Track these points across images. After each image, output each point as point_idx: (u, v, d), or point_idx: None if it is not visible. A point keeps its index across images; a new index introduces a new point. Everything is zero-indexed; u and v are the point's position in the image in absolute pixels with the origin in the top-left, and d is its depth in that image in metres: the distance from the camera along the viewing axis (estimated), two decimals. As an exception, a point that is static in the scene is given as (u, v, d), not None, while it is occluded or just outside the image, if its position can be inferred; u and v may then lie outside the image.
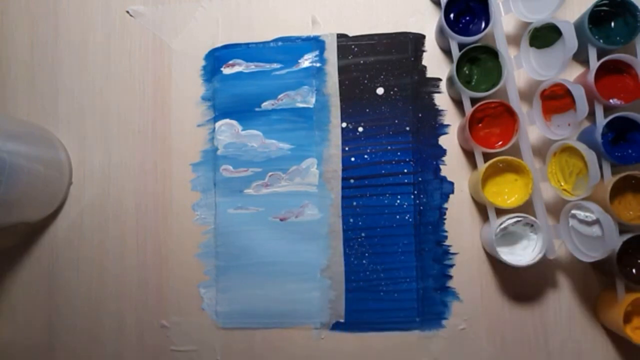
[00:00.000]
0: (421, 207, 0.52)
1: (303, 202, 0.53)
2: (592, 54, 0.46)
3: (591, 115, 0.44)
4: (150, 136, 0.55)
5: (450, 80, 0.50)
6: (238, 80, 0.54)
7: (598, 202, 0.43)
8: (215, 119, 0.54)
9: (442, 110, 0.52)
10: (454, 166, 0.52)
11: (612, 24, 0.46)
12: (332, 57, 0.53)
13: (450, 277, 0.51)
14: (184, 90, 0.55)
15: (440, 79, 0.52)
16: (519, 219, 0.46)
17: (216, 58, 0.54)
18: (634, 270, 0.45)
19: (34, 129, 0.54)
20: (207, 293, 0.53)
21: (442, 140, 0.52)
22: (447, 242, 0.51)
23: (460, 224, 0.51)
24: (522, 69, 0.48)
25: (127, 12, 0.56)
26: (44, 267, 0.55)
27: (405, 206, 0.52)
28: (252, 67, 0.54)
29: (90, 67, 0.56)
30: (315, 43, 0.53)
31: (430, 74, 0.52)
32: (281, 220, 0.53)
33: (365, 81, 0.53)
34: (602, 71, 0.45)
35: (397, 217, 0.52)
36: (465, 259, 0.51)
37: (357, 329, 0.52)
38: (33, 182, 0.49)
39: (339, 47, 0.53)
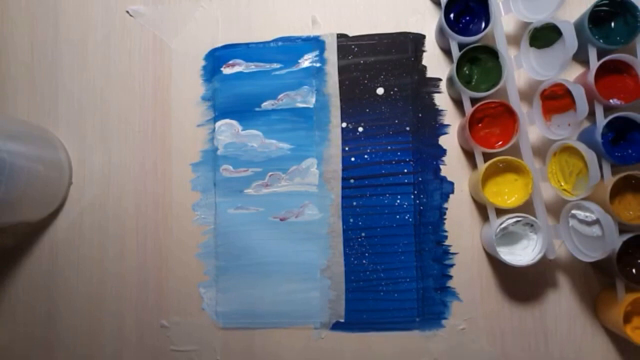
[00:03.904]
0: (421, 207, 0.52)
1: (303, 202, 0.53)
2: (592, 54, 0.45)
3: (591, 115, 0.44)
4: (150, 136, 0.55)
5: (450, 80, 0.50)
6: (238, 80, 0.54)
7: (598, 202, 0.43)
8: (215, 119, 0.54)
9: (442, 110, 0.52)
10: (454, 166, 0.52)
11: (612, 24, 0.46)
12: (332, 57, 0.53)
13: (450, 277, 0.51)
14: (184, 90, 0.55)
15: (440, 79, 0.52)
16: (519, 219, 0.46)
17: (216, 58, 0.54)
18: (634, 270, 0.45)
19: (34, 129, 0.54)
20: (207, 293, 0.53)
21: (442, 140, 0.52)
22: (447, 242, 0.51)
23: (460, 224, 0.51)
24: (522, 69, 0.48)
25: (127, 12, 0.56)
26: (44, 267, 0.55)
27: (405, 206, 0.52)
28: (252, 67, 0.54)
29: (90, 67, 0.56)
30: (315, 43, 0.53)
31: (430, 74, 0.52)
32: (281, 220, 0.53)
33: (365, 81, 0.53)
34: (602, 71, 0.45)
35: (397, 217, 0.52)
36: (465, 259, 0.51)
37: (357, 329, 0.52)
38: (33, 182, 0.49)
39: (339, 47, 0.53)
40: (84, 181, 0.55)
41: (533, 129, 0.48)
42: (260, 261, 0.53)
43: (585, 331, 0.49)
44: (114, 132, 0.55)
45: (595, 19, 0.46)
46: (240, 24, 0.54)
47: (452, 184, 0.52)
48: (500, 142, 0.47)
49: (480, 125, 0.48)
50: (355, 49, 0.53)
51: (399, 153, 0.52)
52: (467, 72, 0.48)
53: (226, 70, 0.54)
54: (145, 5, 0.56)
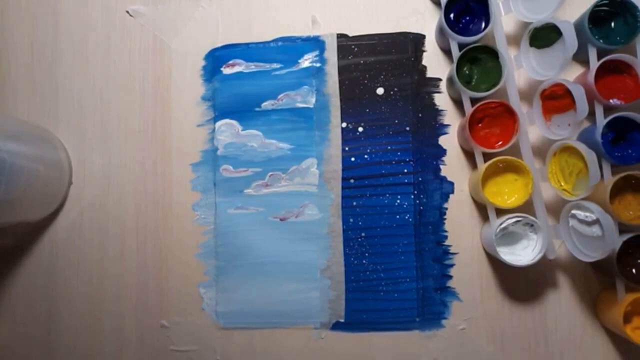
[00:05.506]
0: (421, 207, 0.52)
1: (303, 202, 0.53)
2: (592, 54, 0.45)
3: (591, 115, 0.44)
4: (150, 136, 0.55)
5: (450, 80, 0.50)
6: (238, 80, 0.54)
7: (598, 202, 0.43)
8: (215, 119, 0.54)
9: (442, 110, 0.52)
10: (454, 166, 0.52)
11: (612, 24, 0.46)
12: (332, 57, 0.53)
13: (450, 277, 0.51)
14: (184, 90, 0.55)
15: (440, 79, 0.52)
16: (519, 219, 0.46)
17: (216, 58, 0.54)
18: (634, 270, 0.45)
19: (34, 129, 0.54)
20: (207, 293, 0.53)
21: (442, 140, 0.52)
22: (447, 242, 0.51)
23: (460, 224, 0.51)
24: (522, 69, 0.48)
25: (127, 12, 0.56)
26: (44, 267, 0.55)
27: (405, 206, 0.52)
28: (252, 67, 0.54)
29: (90, 67, 0.56)
30: (315, 43, 0.53)
31: (430, 74, 0.52)
32: (281, 220, 0.53)
33: (365, 81, 0.53)
34: (602, 71, 0.45)
35: (397, 217, 0.52)
36: (465, 259, 0.51)
37: (357, 329, 0.52)
38: (33, 182, 0.49)
39: (339, 47, 0.53)
40: (84, 181, 0.55)
41: (533, 129, 0.48)
42: (260, 261, 0.53)
43: (585, 331, 0.49)
44: (114, 132, 0.55)
45: (595, 19, 0.46)
46: (240, 24, 0.54)
47: (452, 184, 0.52)
48: (500, 142, 0.47)
49: (480, 125, 0.48)
50: (355, 49, 0.53)
51: (399, 153, 0.52)
52: (467, 72, 0.48)
53: (226, 70, 0.54)
54: (145, 5, 0.56)
